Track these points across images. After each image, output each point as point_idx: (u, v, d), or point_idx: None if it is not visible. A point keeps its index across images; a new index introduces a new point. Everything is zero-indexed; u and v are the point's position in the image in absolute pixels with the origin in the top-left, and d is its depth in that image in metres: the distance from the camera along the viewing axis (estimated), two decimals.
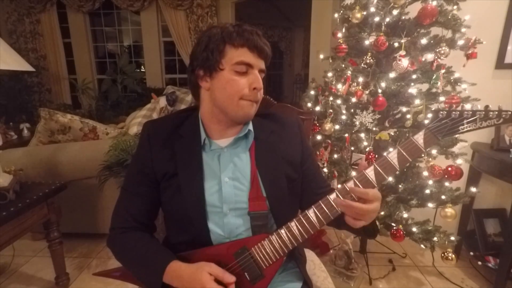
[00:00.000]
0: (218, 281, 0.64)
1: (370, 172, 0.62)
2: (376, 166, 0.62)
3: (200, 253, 0.71)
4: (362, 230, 0.69)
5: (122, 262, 0.76)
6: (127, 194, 0.79)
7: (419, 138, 0.61)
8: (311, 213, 0.65)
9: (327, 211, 0.64)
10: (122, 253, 0.76)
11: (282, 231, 0.66)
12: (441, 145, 1.47)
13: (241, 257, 0.68)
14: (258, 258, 0.67)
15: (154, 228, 0.83)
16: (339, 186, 0.65)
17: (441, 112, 0.60)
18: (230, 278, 0.64)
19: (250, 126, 0.76)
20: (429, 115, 1.46)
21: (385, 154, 0.63)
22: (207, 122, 0.75)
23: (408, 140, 0.62)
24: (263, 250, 0.67)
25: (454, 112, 0.60)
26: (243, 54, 0.68)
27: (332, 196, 0.64)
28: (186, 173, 0.73)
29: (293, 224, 0.66)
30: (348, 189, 0.63)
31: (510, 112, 0.57)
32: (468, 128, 0.60)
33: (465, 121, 0.60)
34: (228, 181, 0.73)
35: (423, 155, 1.47)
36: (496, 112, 0.58)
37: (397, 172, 0.61)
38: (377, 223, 0.73)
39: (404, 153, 0.61)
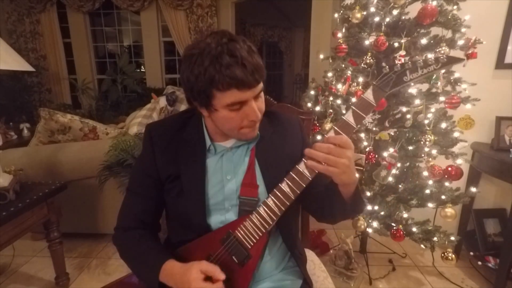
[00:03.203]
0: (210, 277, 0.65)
1: (331, 135, 0.64)
2: (335, 128, 0.64)
3: (190, 246, 0.74)
4: (351, 206, 0.70)
5: (124, 260, 0.78)
6: (132, 195, 0.80)
7: (369, 94, 0.65)
8: (284, 185, 0.66)
9: (298, 179, 0.65)
10: (124, 252, 0.78)
11: (261, 208, 0.68)
12: (441, 145, 1.47)
13: (227, 242, 0.69)
14: (242, 239, 0.69)
15: (159, 228, 0.84)
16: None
17: (385, 68, 0.64)
18: (220, 275, 0.65)
19: (258, 131, 0.76)
20: (429, 115, 1.46)
21: (341, 116, 0.66)
22: (210, 129, 0.76)
23: (359, 99, 0.65)
24: (246, 231, 0.68)
25: (396, 66, 0.64)
26: (232, 95, 0.62)
27: (300, 164, 0.66)
28: (188, 176, 0.74)
29: (269, 200, 0.67)
30: (316, 144, 0.64)
31: (446, 56, 0.61)
32: (411, 77, 0.63)
33: (407, 72, 0.63)
34: (230, 178, 0.75)
35: (423, 155, 1.47)
36: (434, 59, 0.61)
37: (355, 130, 0.64)
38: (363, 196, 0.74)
39: (358, 111, 0.64)
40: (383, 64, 0.65)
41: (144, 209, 0.78)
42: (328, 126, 1.63)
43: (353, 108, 0.64)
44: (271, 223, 0.67)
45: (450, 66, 0.63)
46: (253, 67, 0.61)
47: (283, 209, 0.67)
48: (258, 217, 0.68)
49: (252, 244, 0.68)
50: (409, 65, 0.62)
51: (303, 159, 0.65)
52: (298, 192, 0.66)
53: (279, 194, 0.67)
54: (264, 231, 0.68)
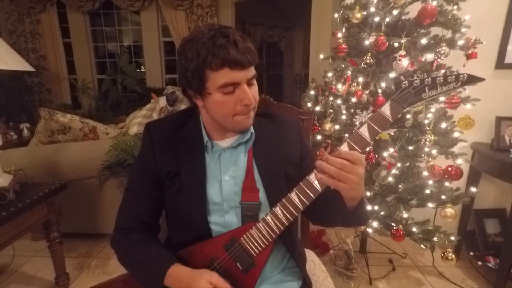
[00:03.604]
0: None
1: (344, 148, 0.63)
2: (349, 141, 0.63)
3: (193, 249, 0.73)
4: (353, 215, 0.69)
5: (124, 264, 0.76)
6: (131, 194, 0.79)
7: (386, 109, 0.63)
8: (293, 195, 0.66)
9: (307, 190, 0.65)
10: (124, 255, 0.76)
11: (268, 217, 0.67)
12: (441, 145, 1.47)
13: (232, 249, 0.69)
14: (248, 247, 0.68)
15: (158, 228, 0.83)
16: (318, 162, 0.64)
17: (404, 83, 0.62)
18: None
19: (252, 129, 0.76)
20: (429, 115, 1.46)
21: (356, 129, 0.64)
22: (207, 126, 0.76)
23: (375, 113, 0.63)
24: (251, 239, 0.68)
25: (415, 81, 0.62)
26: (225, 75, 0.63)
27: (311, 176, 0.65)
28: (188, 173, 0.73)
29: (277, 209, 0.67)
30: (329, 157, 0.62)
31: (467, 75, 0.59)
32: (431, 94, 0.61)
33: (426, 88, 0.61)
34: (228, 179, 0.74)
35: (423, 155, 1.47)
36: (454, 77, 0.59)
37: (370, 146, 0.63)
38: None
39: (374, 126, 0.63)
40: (402, 78, 0.63)
41: (144, 209, 0.77)
42: (328, 126, 1.63)
43: (369, 122, 0.63)
44: (278, 232, 0.67)
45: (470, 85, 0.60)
46: (245, 48, 0.63)
47: (291, 219, 0.66)
48: (265, 226, 0.67)
49: (257, 252, 0.68)
50: (428, 81, 0.60)
51: (314, 170, 0.64)
52: (307, 203, 0.65)
53: (287, 204, 0.66)
54: (270, 240, 0.67)
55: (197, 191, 0.73)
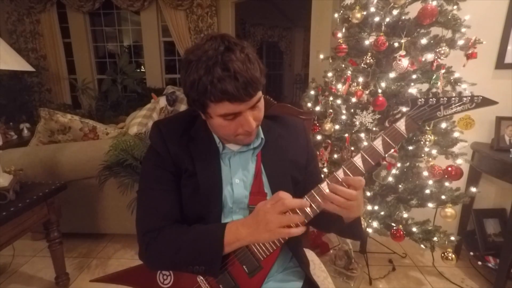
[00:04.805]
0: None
1: (357, 160, 0.65)
2: (363, 153, 0.64)
3: None
4: (349, 229, 0.71)
5: (167, 260, 0.70)
6: (152, 194, 0.74)
7: (401, 125, 0.65)
8: None
9: (318, 198, 0.65)
10: (168, 247, 0.70)
11: None
12: (441, 145, 1.47)
13: (239, 251, 0.68)
14: (255, 250, 0.67)
15: None
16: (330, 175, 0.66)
17: (420, 100, 0.65)
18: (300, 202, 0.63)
19: (262, 135, 0.76)
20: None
21: (370, 142, 0.66)
22: (213, 132, 0.76)
23: (390, 127, 0.65)
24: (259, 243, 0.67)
25: (431, 99, 0.64)
26: (224, 107, 0.62)
27: (323, 184, 0.65)
28: (206, 175, 0.73)
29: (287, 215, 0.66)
30: (339, 178, 0.64)
31: (481, 97, 0.62)
32: (445, 113, 0.64)
33: (441, 107, 0.63)
34: (239, 182, 0.74)
35: (423, 155, 1.47)
36: (469, 98, 0.62)
37: (382, 160, 0.66)
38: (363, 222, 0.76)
39: (388, 140, 0.64)
40: (418, 97, 0.67)
41: (173, 203, 0.73)
42: (328, 126, 1.63)
43: (383, 136, 0.64)
44: (286, 237, 0.66)
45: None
46: (246, 81, 0.59)
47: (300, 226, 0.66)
48: None
49: (265, 256, 0.67)
50: (444, 101, 0.63)
51: (327, 180, 0.65)
52: (318, 211, 0.65)
53: (298, 211, 0.65)
54: (279, 245, 0.67)
55: (213, 194, 0.72)
